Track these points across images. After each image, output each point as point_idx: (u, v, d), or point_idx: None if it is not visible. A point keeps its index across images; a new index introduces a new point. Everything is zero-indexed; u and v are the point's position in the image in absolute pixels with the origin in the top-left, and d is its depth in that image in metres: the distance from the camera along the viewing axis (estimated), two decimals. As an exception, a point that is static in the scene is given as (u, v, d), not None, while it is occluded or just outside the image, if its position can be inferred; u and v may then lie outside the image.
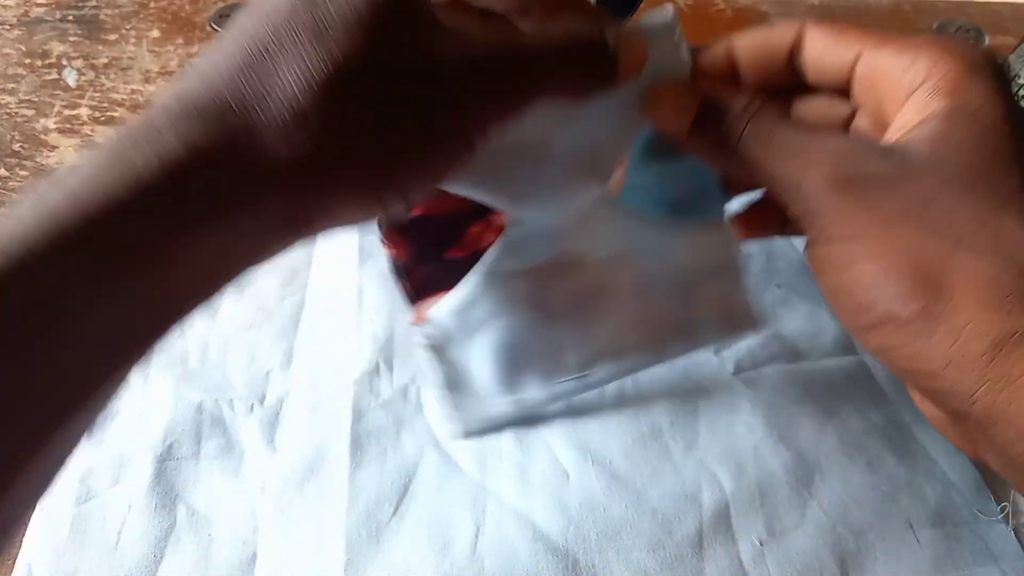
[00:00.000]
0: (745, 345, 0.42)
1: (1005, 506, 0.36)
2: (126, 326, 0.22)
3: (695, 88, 0.30)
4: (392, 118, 0.25)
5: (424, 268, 0.36)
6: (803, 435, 0.38)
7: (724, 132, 0.29)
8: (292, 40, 0.24)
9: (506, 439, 0.37)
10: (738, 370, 0.41)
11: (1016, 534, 0.35)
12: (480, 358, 0.35)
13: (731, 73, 0.31)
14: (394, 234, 0.35)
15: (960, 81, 0.28)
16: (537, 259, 0.33)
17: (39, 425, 0.20)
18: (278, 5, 0.24)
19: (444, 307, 0.34)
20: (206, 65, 0.24)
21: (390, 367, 0.40)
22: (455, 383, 0.36)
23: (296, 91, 0.23)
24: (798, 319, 0.43)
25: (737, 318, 0.35)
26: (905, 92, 0.28)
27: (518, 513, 0.35)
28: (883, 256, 0.25)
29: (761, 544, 0.35)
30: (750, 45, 0.31)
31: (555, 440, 0.38)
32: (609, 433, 0.38)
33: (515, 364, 0.35)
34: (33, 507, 0.22)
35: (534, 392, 0.36)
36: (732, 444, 0.38)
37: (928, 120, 0.27)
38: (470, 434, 0.37)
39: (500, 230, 0.33)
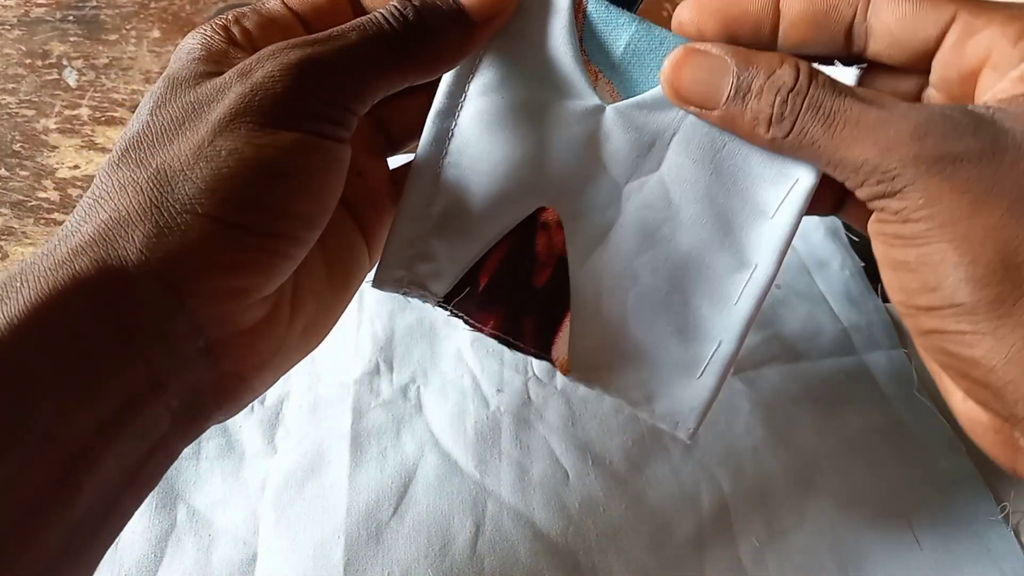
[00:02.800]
0: (745, 345, 0.41)
1: (1005, 506, 0.36)
2: None
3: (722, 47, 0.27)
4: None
5: (528, 317, 0.32)
6: (803, 435, 0.38)
7: (770, 110, 0.26)
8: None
9: (506, 439, 0.38)
10: (738, 370, 0.41)
11: (1016, 534, 0.35)
12: (651, 354, 0.31)
13: (768, 27, 0.28)
14: (477, 314, 0.31)
15: None
16: (616, 216, 0.30)
17: None
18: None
19: (577, 339, 0.31)
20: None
21: (390, 367, 0.40)
22: (647, 397, 0.31)
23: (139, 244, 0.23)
24: (798, 319, 0.43)
25: None
26: (1008, 64, 0.26)
27: (518, 513, 0.35)
28: (964, 238, 0.23)
29: (761, 545, 0.35)
30: (801, 13, 0.28)
31: (555, 440, 0.38)
32: (609, 433, 0.38)
33: (686, 327, 0.30)
34: None
35: (726, 341, 0.31)
36: (731, 444, 0.38)
37: None
38: (699, 427, 0.31)
39: (559, 221, 0.30)
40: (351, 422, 0.38)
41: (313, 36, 0.25)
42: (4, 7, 0.63)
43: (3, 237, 0.47)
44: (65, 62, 0.59)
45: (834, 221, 0.49)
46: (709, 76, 0.27)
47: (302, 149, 0.25)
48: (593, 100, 0.29)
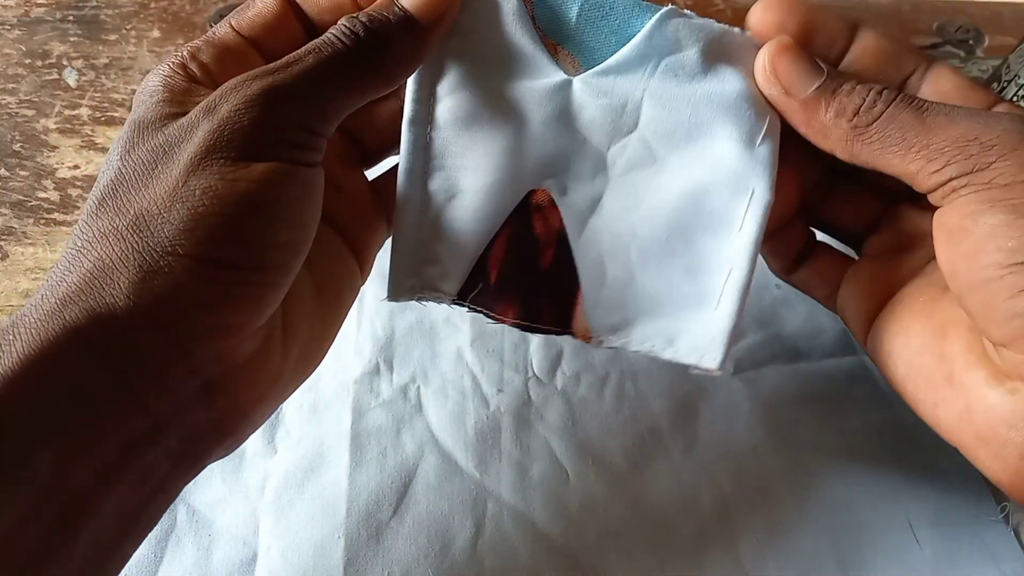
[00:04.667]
0: (745, 345, 0.42)
1: (1005, 506, 0.36)
2: None
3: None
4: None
5: (543, 299, 0.32)
6: (803, 435, 0.38)
7: (860, 102, 0.28)
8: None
9: (506, 439, 0.38)
10: (738, 370, 0.41)
11: (1016, 534, 0.35)
12: (666, 300, 0.31)
13: (838, 48, 0.30)
14: (496, 307, 0.31)
15: None
16: (605, 183, 0.31)
17: None
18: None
19: (591, 306, 0.31)
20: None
21: (390, 367, 0.40)
22: (669, 340, 0.31)
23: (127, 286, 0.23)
24: (798, 319, 0.43)
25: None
26: None
27: (518, 513, 0.35)
28: None
29: (761, 544, 0.35)
30: (873, 47, 0.30)
31: (555, 440, 0.38)
32: (609, 433, 0.38)
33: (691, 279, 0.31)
34: None
35: (737, 267, 0.30)
36: (732, 444, 0.38)
37: None
38: (726, 355, 0.31)
39: (551, 200, 0.31)
40: (351, 422, 0.38)
41: (272, 65, 0.26)
42: (4, 7, 0.63)
43: (3, 237, 0.47)
44: (65, 62, 0.59)
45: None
46: (805, 67, 0.29)
47: (275, 179, 0.25)
48: (559, 75, 0.30)
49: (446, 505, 0.35)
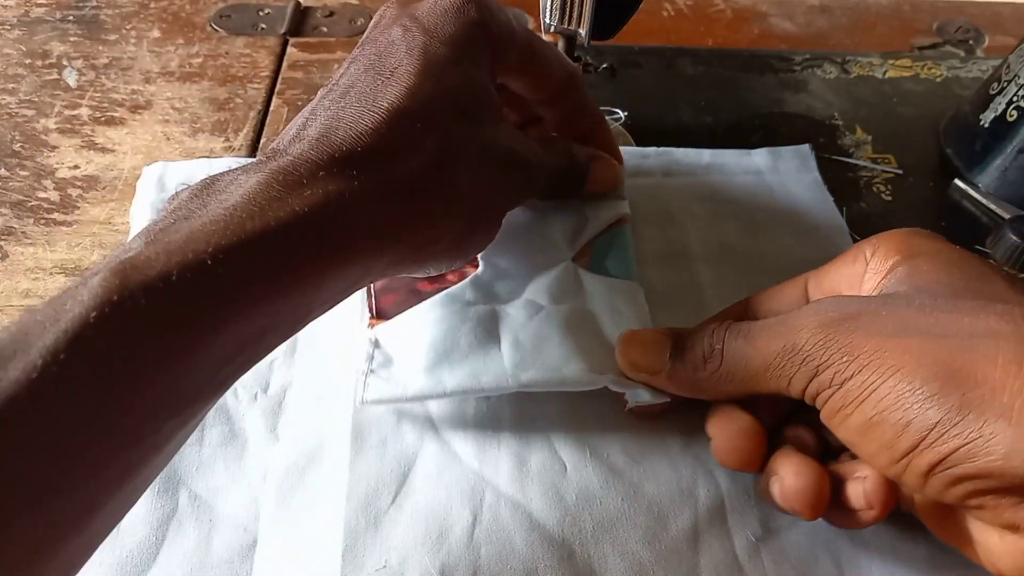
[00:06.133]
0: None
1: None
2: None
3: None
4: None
5: (394, 293, 0.39)
6: (799, 430, 0.39)
7: (702, 351, 0.32)
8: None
9: (505, 430, 0.38)
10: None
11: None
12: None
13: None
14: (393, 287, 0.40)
15: (904, 239, 0.31)
16: (499, 299, 0.39)
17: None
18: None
19: (398, 321, 0.39)
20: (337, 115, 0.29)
21: (391, 358, 0.40)
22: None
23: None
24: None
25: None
26: (859, 278, 0.32)
27: (515, 503, 0.35)
28: (899, 367, 0.25)
29: (756, 540, 0.35)
30: (765, 304, 0.35)
31: (554, 433, 0.38)
32: (608, 426, 0.38)
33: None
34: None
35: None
36: (729, 438, 0.38)
37: (890, 273, 0.30)
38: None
39: (463, 277, 0.40)
40: (352, 411, 0.38)
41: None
42: (4, 7, 0.63)
43: (3, 237, 0.47)
44: (65, 62, 0.59)
45: (839, 223, 0.49)
46: (652, 345, 0.34)
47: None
48: (567, 253, 0.41)
49: (444, 494, 0.35)
